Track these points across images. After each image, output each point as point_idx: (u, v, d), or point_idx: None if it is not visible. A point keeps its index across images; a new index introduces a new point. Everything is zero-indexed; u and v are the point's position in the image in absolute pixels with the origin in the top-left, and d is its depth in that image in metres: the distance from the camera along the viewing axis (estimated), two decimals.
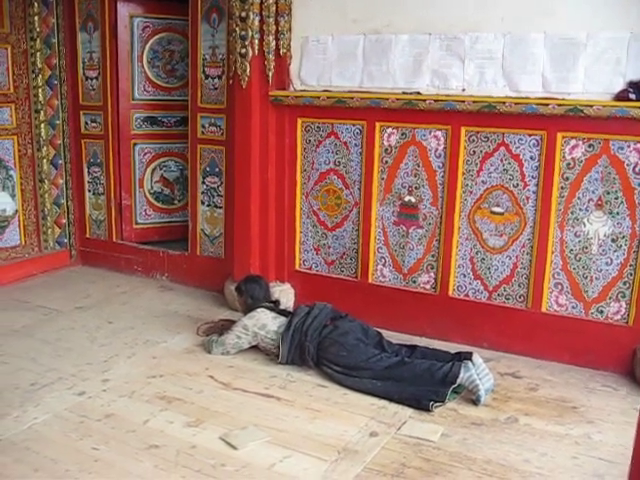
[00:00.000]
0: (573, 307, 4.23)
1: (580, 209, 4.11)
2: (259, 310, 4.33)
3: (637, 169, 3.91)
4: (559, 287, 4.24)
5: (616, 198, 4.00)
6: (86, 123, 6.11)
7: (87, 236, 6.36)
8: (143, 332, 4.73)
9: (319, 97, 4.71)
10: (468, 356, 3.80)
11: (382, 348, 4.04)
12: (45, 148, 6.02)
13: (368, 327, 4.19)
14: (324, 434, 3.39)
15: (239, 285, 4.55)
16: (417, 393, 3.69)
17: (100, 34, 5.82)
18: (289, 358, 4.14)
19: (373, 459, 3.17)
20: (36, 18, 5.73)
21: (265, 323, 4.24)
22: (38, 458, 3.15)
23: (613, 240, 4.05)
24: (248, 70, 4.77)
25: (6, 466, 3.09)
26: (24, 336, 4.64)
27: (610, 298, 4.12)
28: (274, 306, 4.46)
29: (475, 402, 3.71)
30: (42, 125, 5.96)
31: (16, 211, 5.93)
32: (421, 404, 3.66)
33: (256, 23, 4.71)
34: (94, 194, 6.23)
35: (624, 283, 4.06)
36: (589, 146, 4.01)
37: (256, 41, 4.74)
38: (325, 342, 4.04)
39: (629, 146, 3.91)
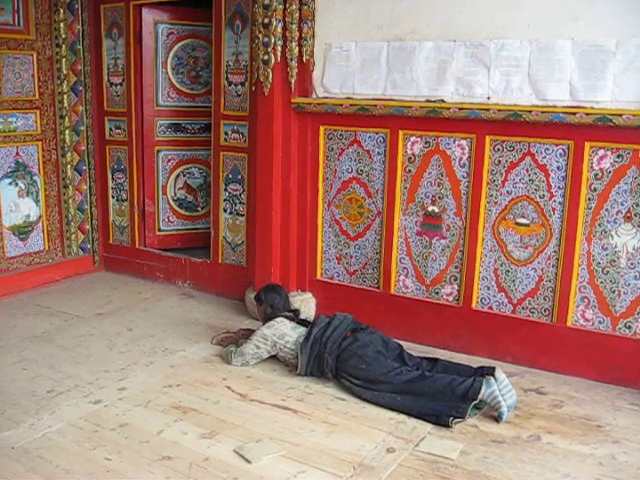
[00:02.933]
0: (600, 322, 4.11)
1: (608, 221, 3.99)
2: (278, 320, 4.28)
3: None
4: (585, 301, 4.12)
5: None
6: (110, 129, 6.13)
7: (110, 242, 6.37)
8: (162, 340, 4.70)
9: (342, 105, 4.65)
10: (490, 371, 3.70)
11: (402, 361, 3.96)
12: (69, 154, 6.04)
13: (389, 339, 4.11)
14: (340, 449, 3.32)
15: (258, 294, 4.49)
16: (437, 408, 3.60)
17: (125, 40, 5.84)
18: (308, 369, 4.08)
19: (389, 476, 3.09)
20: (62, 25, 5.77)
21: (284, 332, 4.18)
22: (51, 468, 3.13)
23: None
24: (270, 77, 4.73)
25: (19, 475, 3.07)
26: (44, 342, 4.64)
27: (639, 313, 3.99)
28: (294, 316, 4.40)
29: (497, 419, 3.60)
30: (66, 131, 5.98)
31: (40, 217, 5.95)
32: (441, 420, 3.56)
33: (279, 30, 4.67)
34: (117, 200, 6.24)
35: None
36: (618, 156, 3.90)
37: (279, 48, 4.70)
38: (344, 354, 3.96)
39: None
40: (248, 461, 3.19)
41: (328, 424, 3.58)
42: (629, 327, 4.02)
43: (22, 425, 3.50)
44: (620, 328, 4.05)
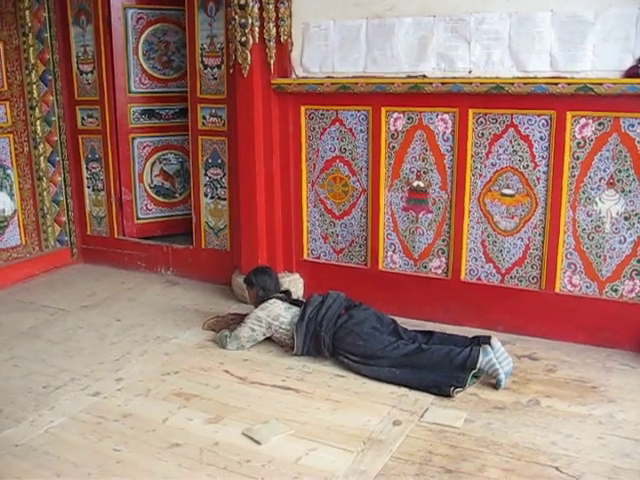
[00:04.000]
0: (587, 287, 4.21)
1: (592, 188, 4.07)
2: (271, 301, 4.29)
3: None
4: (572, 267, 4.22)
5: (628, 176, 3.97)
6: (82, 118, 6.02)
7: (88, 233, 6.28)
8: (153, 328, 4.67)
9: (322, 84, 4.65)
10: (486, 340, 3.77)
11: (398, 335, 4.01)
12: (42, 145, 5.92)
13: (382, 315, 4.15)
14: (347, 425, 3.36)
15: (248, 277, 4.49)
16: (437, 379, 3.67)
17: (94, 27, 5.72)
18: (304, 349, 4.11)
19: (399, 448, 3.14)
20: (27, 13, 5.61)
21: (278, 314, 4.20)
22: (59, 462, 3.10)
23: (626, 218, 4.02)
24: (249, 58, 4.70)
25: (27, 472, 3.03)
26: (32, 337, 4.58)
27: (624, 276, 4.10)
28: (286, 296, 4.42)
29: (495, 386, 3.68)
30: (38, 122, 5.85)
31: (15, 211, 5.84)
32: (442, 390, 3.63)
33: (256, 10, 4.63)
34: (93, 190, 6.15)
35: (638, 261, 4.04)
36: (599, 124, 3.98)
37: (256, 29, 4.66)
38: (341, 332, 4.00)
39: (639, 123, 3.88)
40: (258, 442, 3.21)
41: (331, 401, 3.62)
42: (615, 290, 4.13)
43: (23, 422, 3.45)
44: (607, 292, 4.16)
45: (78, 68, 5.92)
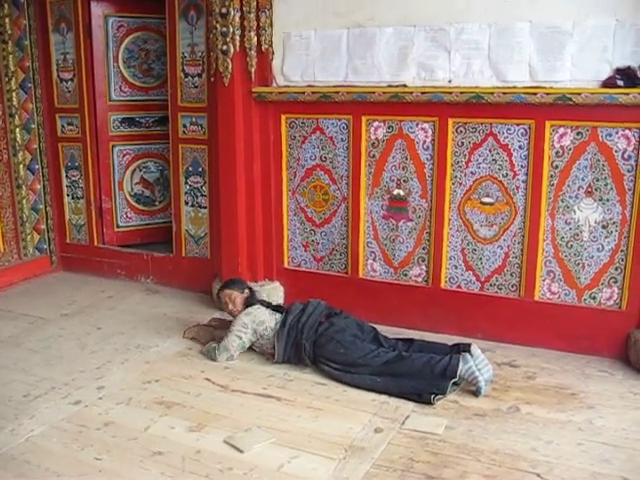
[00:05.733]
0: (566, 294, 4.25)
1: (570, 197, 4.13)
2: (255, 307, 4.30)
3: (626, 155, 3.94)
4: (551, 275, 4.26)
5: (605, 185, 4.02)
6: (62, 126, 6.00)
7: (67, 241, 6.25)
8: (133, 337, 4.65)
9: (303, 92, 4.67)
10: (466, 348, 3.80)
11: (379, 343, 4.03)
12: (21, 153, 5.88)
13: (363, 323, 4.18)
14: (329, 432, 3.36)
15: (233, 283, 4.52)
16: (418, 387, 3.68)
17: (74, 35, 5.71)
18: (285, 357, 4.11)
19: (381, 455, 3.16)
20: (7, 20, 5.59)
21: (263, 319, 4.20)
22: (40, 471, 3.08)
23: (604, 226, 4.07)
24: (230, 67, 4.71)
25: None
26: (11, 346, 4.53)
27: (602, 284, 4.15)
28: (268, 302, 4.43)
29: (476, 393, 3.71)
30: (17, 130, 5.81)
31: None
32: (422, 398, 3.65)
33: (237, 19, 4.64)
34: (73, 198, 6.12)
35: (616, 269, 4.09)
36: (578, 134, 4.03)
37: (237, 37, 4.68)
38: (321, 339, 4.01)
39: (617, 133, 3.93)
40: (240, 450, 3.20)
41: (313, 409, 3.62)
42: (594, 298, 4.18)
43: (3, 431, 3.42)
44: (585, 299, 4.21)
45: (58, 76, 5.90)
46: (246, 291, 4.44)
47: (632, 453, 3.16)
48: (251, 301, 4.37)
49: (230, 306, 4.41)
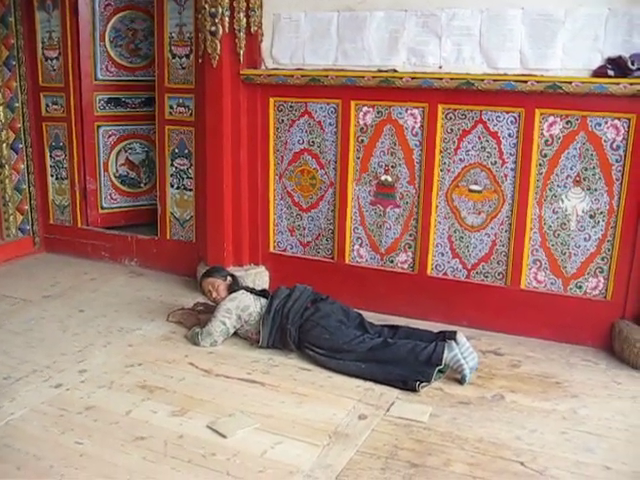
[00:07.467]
0: (552, 283, 4.25)
1: (558, 186, 4.11)
2: (240, 292, 4.27)
3: (614, 145, 3.93)
4: (538, 264, 4.26)
5: (594, 174, 4.01)
6: (47, 105, 5.91)
7: (51, 222, 6.18)
8: (116, 320, 4.61)
9: (292, 76, 4.61)
10: (452, 335, 3.78)
11: (364, 329, 4.01)
12: (4, 132, 5.78)
13: (348, 308, 4.16)
14: (313, 418, 3.35)
15: (215, 270, 4.48)
16: (403, 374, 3.67)
17: (60, 12, 5.60)
18: (270, 342, 4.09)
19: (365, 442, 3.14)
20: None
21: (248, 304, 4.17)
22: (20, 455, 3.03)
23: (591, 216, 4.07)
24: (218, 48, 4.64)
25: None
26: None
27: (588, 274, 4.15)
28: (252, 288, 4.40)
29: (460, 381, 3.70)
30: (0, 108, 5.72)
31: None
32: (407, 385, 3.63)
33: (226, 0, 4.58)
34: (57, 179, 6.04)
35: (602, 259, 4.09)
36: (567, 123, 4.02)
37: (226, 18, 4.61)
38: (307, 325, 3.98)
39: (607, 122, 3.92)
40: (223, 436, 3.17)
41: (297, 395, 3.60)
42: (580, 287, 4.18)
43: None
44: (571, 288, 4.21)
45: (43, 54, 5.80)
46: (228, 278, 4.41)
47: (615, 442, 3.16)
48: (234, 287, 4.34)
49: (214, 294, 4.37)
